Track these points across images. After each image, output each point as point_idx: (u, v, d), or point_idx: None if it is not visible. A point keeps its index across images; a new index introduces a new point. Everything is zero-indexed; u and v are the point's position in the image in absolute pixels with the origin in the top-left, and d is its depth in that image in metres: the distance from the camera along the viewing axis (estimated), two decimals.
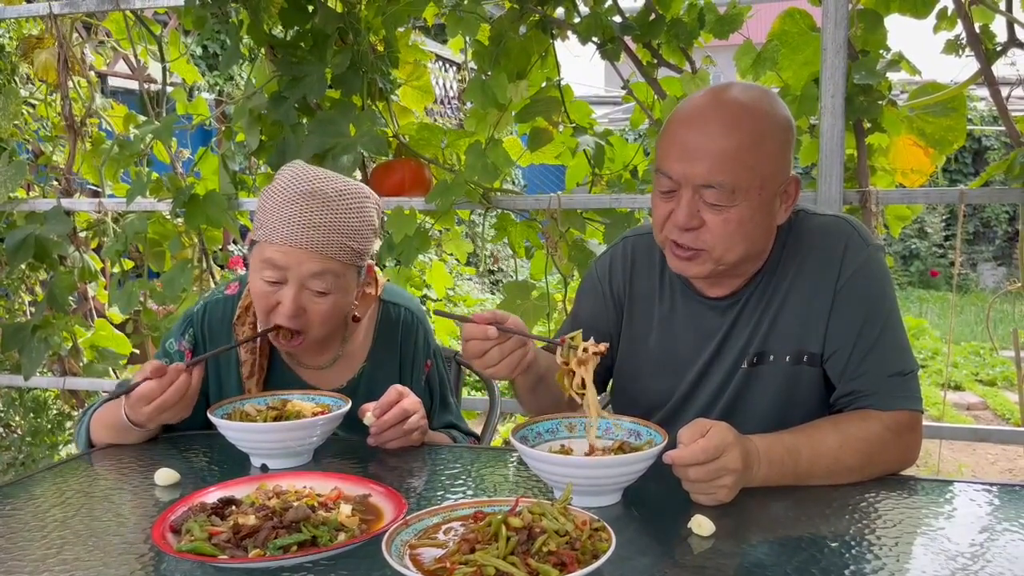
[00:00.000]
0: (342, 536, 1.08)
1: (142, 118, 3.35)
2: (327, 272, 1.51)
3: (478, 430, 1.94)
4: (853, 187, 2.50)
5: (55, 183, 3.57)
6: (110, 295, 3.46)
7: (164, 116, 3.21)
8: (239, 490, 1.23)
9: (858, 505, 1.24)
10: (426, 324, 1.80)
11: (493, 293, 9.11)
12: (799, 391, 1.47)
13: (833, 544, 1.10)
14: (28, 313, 3.73)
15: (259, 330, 1.61)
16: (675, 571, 1.04)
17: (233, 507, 1.16)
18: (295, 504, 1.13)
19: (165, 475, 1.36)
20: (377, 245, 1.63)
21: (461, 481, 1.40)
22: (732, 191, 1.35)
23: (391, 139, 2.99)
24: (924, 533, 1.15)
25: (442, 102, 6.84)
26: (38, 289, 3.80)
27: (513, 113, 2.79)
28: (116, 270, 3.47)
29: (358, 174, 3.10)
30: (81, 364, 3.59)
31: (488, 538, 1.00)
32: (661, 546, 1.13)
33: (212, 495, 1.19)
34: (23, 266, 3.57)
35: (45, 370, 3.67)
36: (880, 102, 2.44)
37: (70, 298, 3.52)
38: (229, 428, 1.42)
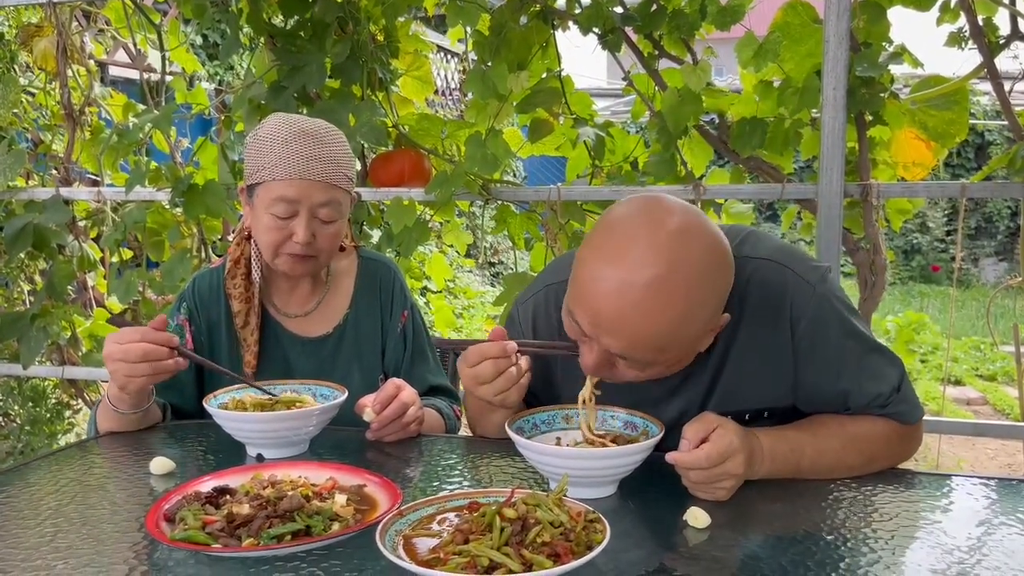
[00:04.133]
0: (336, 526, 1.08)
1: (141, 107, 3.34)
2: (333, 200, 1.64)
3: None
4: (854, 180, 2.49)
5: (54, 172, 3.57)
6: (109, 284, 3.46)
7: (163, 105, 3.20)
8: (234, 479, 1.22)
9: (855, 499, 1.23)
10: (401, 278, 1.90)
11: (493, 285, 9.10)
12: None
13: (829, 537, 1.09)
14: (27, 302, 3.72)
15: (255, 271, 1.73)
16: (670, 563, 1.04)
17: (227, 496, 1.15)
18: (289, 493, 1.13)
19: (160, 464, 1.36)
20: None
21: (457, 472, 1.39)
22: (649, 363, 1.22)
23: (391, 129, 2.98)
24: (921, 527, 1.15)
25: (443, 93, 6.82)
26: (38, 278, 3.80)
27: (513, 104, 2.78)
28: (115, 260, 3.47)
29: (357, 164, 3.10)
30: (80, 353, 3.59)
31: (482, 529, 0.99)
32: (656, 538, 1.13)
33: (206, 484, 1.18)
34: (22, 255, 3.57)
35: (44, 359, 3.66)
36: (882, 95, 2.43)
37: (69, 288, 3.51)
38: (224, 418, 1.41)
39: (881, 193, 2.47)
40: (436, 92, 3.60)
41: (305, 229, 1.61)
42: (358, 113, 2.77)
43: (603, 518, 1.01)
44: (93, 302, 3.73)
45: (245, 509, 1.09)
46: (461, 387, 1.54)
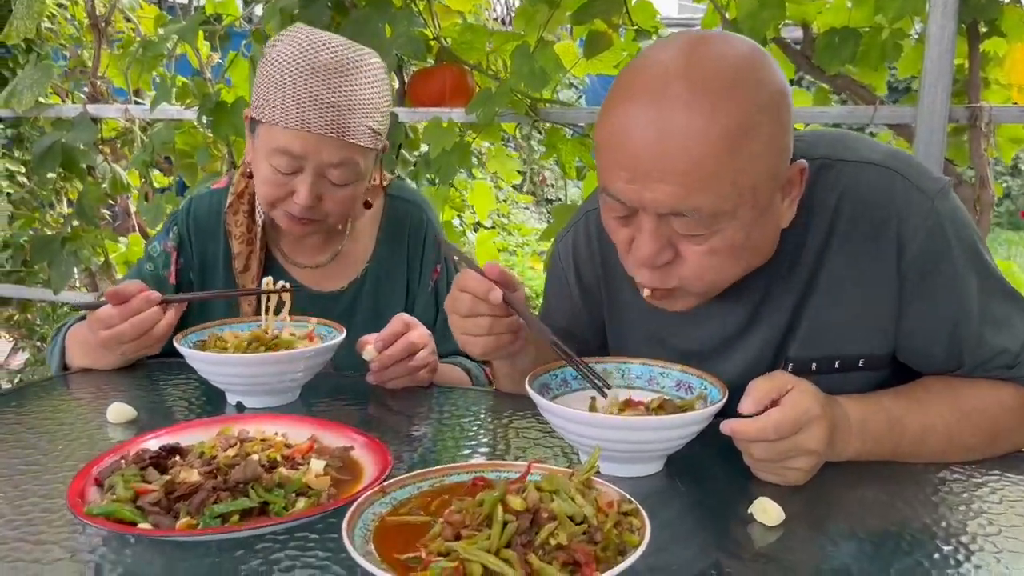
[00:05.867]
0: (301, 503, 0.85)
1: (170, 17, 3.13)
2: (348, 160, 1.32)
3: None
4: (961, 103, 2.13)
5: (87, 90, 3.40)
6: (137, 208, 3.30)
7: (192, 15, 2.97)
8: (195, 435, 1.00)
9: (975, 492, 0.95)
10: (436, 223, 1.60)
11: (549, 223, 8.80)
12: None
13: (946, 548, 0.82)
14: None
15: (259, 211, 1.45)
16: (728, 567, 0.79)
17: (178, 457, 0.93)
18: (252, 458, 0.90)
19: (118, 411, 1.14)
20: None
21: (472, 434, 1.15)
22: (712, 215, 0.94)
23: (431, 43, 2.69)
24: None
25: (505, 22, 6.45)
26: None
27: (567, 13, 2.46)
28: (144, 182, 3.30)
29: (395, 81, 2.83)
30: (114, 280, 3.46)
31: (479, 522, 0.75)
32: (711, 533, 0.87)
33: (153, 441, 0.97)
34: (56, 176, 3.44)
35: (80, 285, 3.56)
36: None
37: (109, 213, 3.38)
38: (197, 359, 1.18)
39: (993, 118, 2.10)
40: (496, 19, 3.32)
41: (308, 191, 1.31)
42: (395, 23, 2.49)
43: (642, 510, 0.76)
44: (136, 227, 3.60)
45: (194, 476, 0.87)
46: None
